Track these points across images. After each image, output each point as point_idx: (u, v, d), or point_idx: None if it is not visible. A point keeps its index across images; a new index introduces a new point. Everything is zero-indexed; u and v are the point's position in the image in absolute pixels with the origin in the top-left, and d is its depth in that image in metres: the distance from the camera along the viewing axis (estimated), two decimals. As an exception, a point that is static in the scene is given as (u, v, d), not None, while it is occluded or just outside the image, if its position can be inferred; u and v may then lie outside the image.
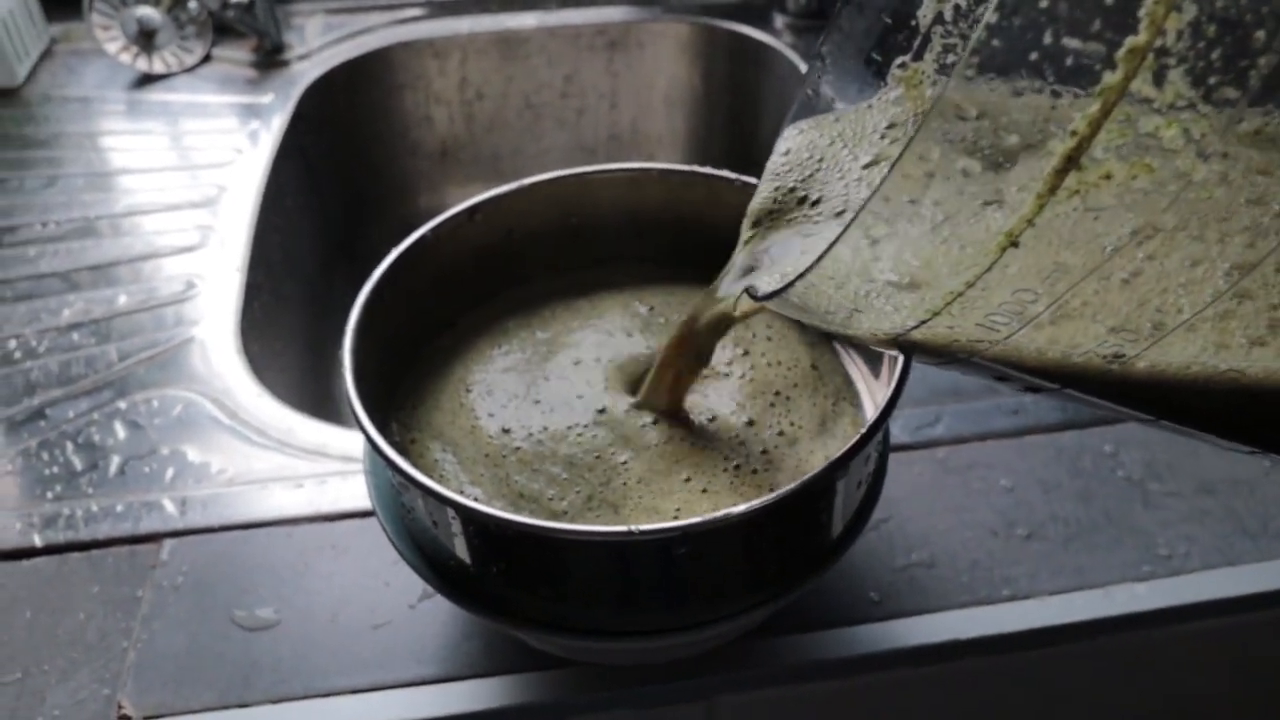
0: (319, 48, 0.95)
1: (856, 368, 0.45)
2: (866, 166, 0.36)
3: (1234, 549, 0.51)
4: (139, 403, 0.59)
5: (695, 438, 0.41)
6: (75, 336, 0.64)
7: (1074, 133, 0.22)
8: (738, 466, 0.40)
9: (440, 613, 0.48)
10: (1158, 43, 0.21)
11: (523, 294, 0.49)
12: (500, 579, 0.36)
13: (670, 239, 0.50)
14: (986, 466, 0.55)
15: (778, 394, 0.43)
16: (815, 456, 0.41)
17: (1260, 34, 0.21)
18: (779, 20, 0.98)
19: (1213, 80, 0.21)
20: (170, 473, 0.55)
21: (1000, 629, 0.47)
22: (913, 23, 0.36)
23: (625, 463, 0.39)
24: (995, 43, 0.22)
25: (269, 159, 0.81)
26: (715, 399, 0.43)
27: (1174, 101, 0.22)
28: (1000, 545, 0.51)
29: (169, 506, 0.53)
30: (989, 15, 0.22)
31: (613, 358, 0.45)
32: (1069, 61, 0.22)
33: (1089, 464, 0.55)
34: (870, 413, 0.43)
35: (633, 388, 0.43)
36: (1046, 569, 0.50)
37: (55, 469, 0.55)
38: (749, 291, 0.34)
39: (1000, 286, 0.24)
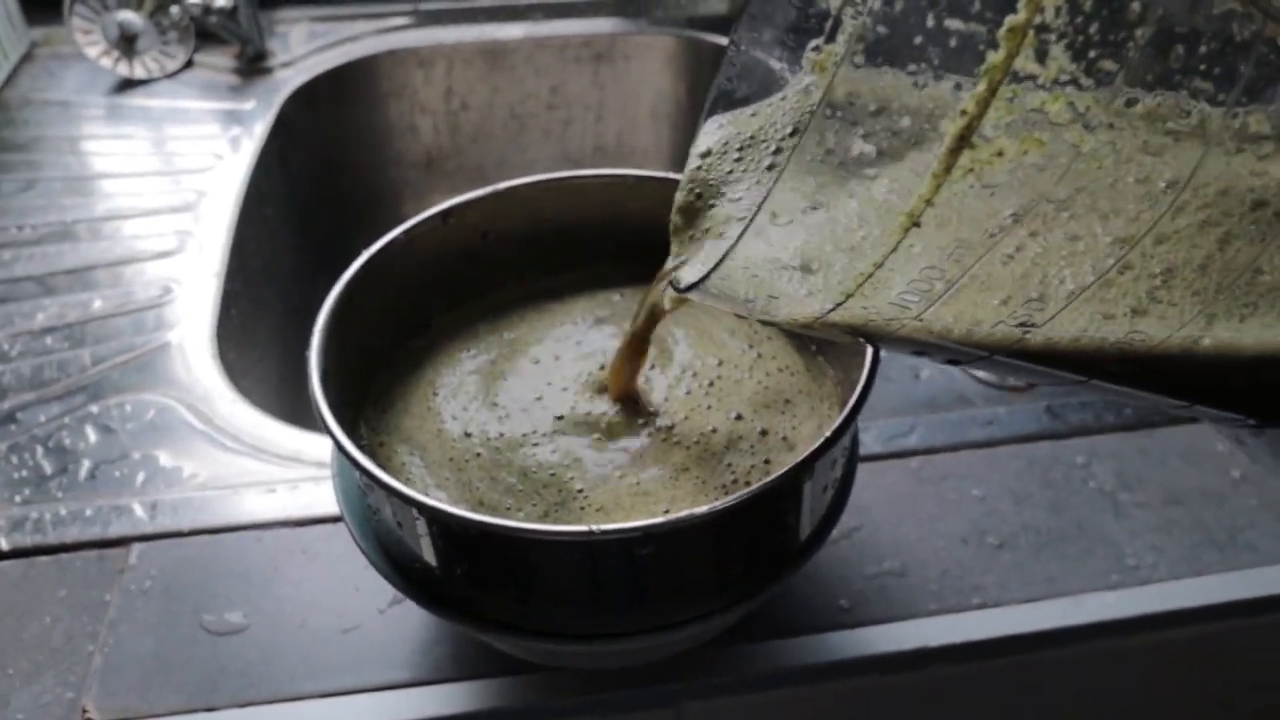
0: (303, 55, 0.95)
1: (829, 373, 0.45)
2: (770, 166, 0.37)
3: (1201, 559, 0.51)
4: (111, 407, 0.59)
5: (651, 448, 0.41)
6: (49, 340, 0.64)
7: (964, 112, 0.23)
8: (702, 480, 0.39)
9: (410, 617, 0.48)
10: (1037, 19, 0.22)
11: (496, 297, 0.49)
12: (465, 581, 0.36)
13: (646, 244, 0.50)
14: (959, 476, 0.55)
15: (772, 404, 0.43)
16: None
17: (1136, 6, 0.22)
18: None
19: (1093, 54, 0.22)
20: (141, 477, 0.55)
21: (969, 637, 0.47)
22: (823, 4, 0.37)
23: (573, 481, 0.39)
24: (881, 29, 0.22)
25: (250, 166, 0.81)
26: (686, 407, 0.43)
27: (1057, 76, 0.22)
28: (971, 554, 0.51)
29: (139, 510, 0.53)
30: (873, 2, 0.22)
31: (576, 359, 0.44)
32: (954, 43, 0.22)
33: (1060, 475, 0.55)
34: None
35: (599, 389, 0.43)
36: (1017, 578, 0.50)
37: (24, 472, 0.55)
38: (672, 284, 0.34)
39: (906, 266, 0.25)
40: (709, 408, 0.42)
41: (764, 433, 0.41)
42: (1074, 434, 0.57)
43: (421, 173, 1.03)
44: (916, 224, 0.24)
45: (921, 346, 0.29)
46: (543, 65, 1.01)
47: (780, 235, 0.26)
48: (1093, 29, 0.22)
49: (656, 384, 0.43)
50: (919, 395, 0.60)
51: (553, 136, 1.05)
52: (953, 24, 0.22)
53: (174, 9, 0.90)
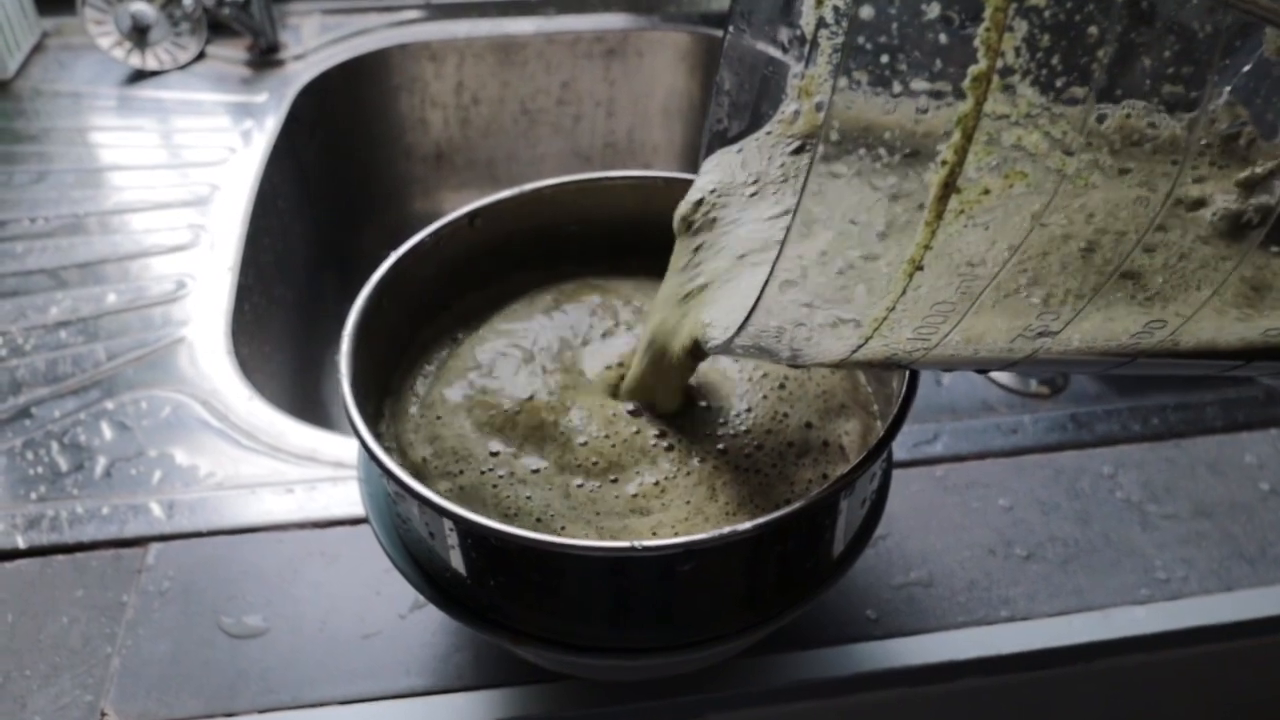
0: (315, 48, 0.94)
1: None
2: (771, 217, 0.38)
3: (1231, 573, 0.50)
4: (127, 403, 0.58)
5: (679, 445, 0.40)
6: (63, 334, 0.63)
7: (944, 162, 0.23)
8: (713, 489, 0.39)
9: (430, 623, 0.47)
10: (1000, 64, 0.22)
11: (519, 298, 0.48)
12: (497, 592, 0.36)
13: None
14: (984, 485, 0.54)
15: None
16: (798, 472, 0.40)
17: (1093, 30, 0.22)
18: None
19: (1059, 83, 0.23)
20: (158, 475, 0.54)
21: (998, 650, 0.47)
22: (797, 32, 0.37)
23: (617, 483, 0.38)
24: (846, 115, 0.23)
25: (262, 159, 0.80)
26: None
27: (1029, 111, 0.23)
28: (998, 565, 0.50)
29: (156, 510, 0.52)
30: (833, 97, 0.23)
31: (607, 363, 0.44)
32: (920, 103, 0.23)
33: (1087, 485, 0.54)
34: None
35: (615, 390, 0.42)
36: (1045, 590, 0.49)
37: (40, 469, 0.54)
38: (698, 343, 0.36)
39: (918, 305, 0.26)
40: (785, 415, 0.41)
41: (825, 444, 0.40)
42: (1100, 443, 0.57)
43: (431, 166, 1.02)
44: (920, 268, 0.25)
45: (949, 366, 0.30)
46: (554, 60, 1.00)
47: (792, 298, 0.27)
48: (1054, 61, 0.23)
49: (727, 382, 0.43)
50: (942, 401, 0.59)
51: (563, 132, 1.04)
52: (918, 84, 0.23)
53: (186, 0, 0.89)
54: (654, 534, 0.36)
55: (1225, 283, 0.26)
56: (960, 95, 0.23)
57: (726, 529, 0.31)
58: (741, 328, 0.28)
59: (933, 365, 0.30)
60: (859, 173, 0.24)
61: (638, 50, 1.00)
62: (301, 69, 0.92)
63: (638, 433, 0.39)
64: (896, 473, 0.54)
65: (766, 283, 0.26)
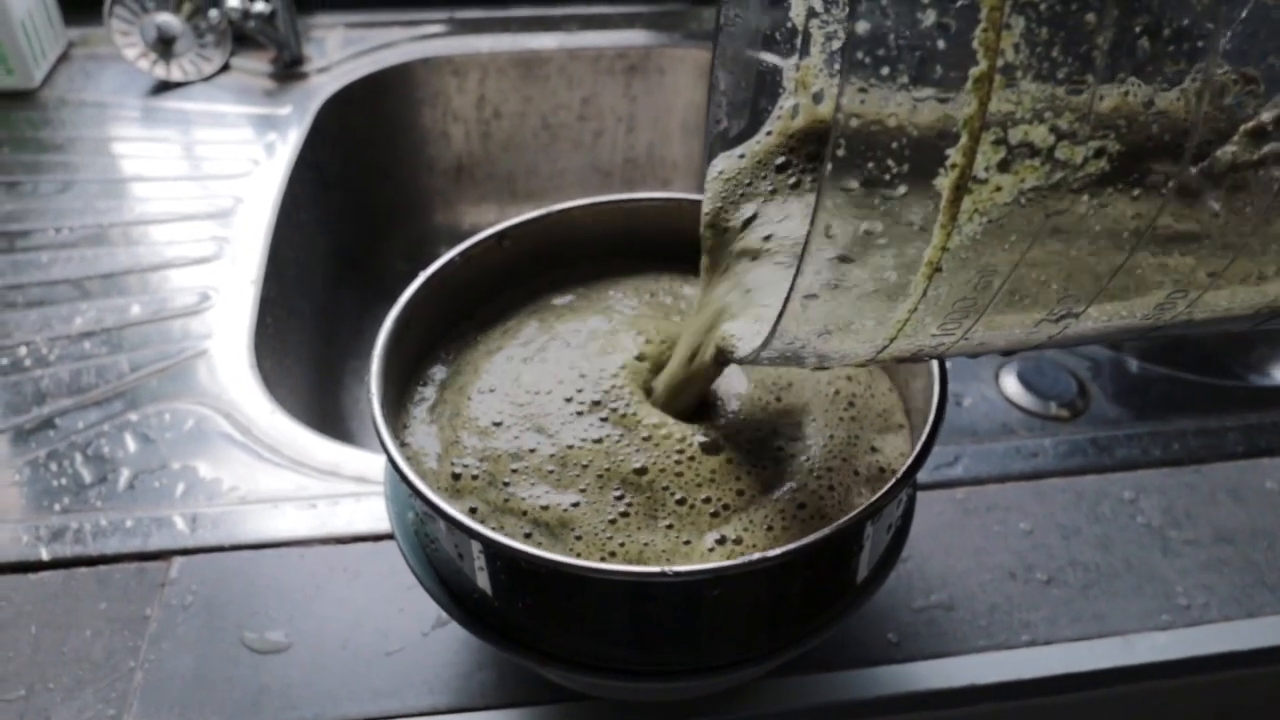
0: (338, 61, 0.95)
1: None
2: (782, 220, 0.39)
3: (1254, 600, 0.50)
4: (150, 415, 0.59)
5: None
6: (87, 345, 0.63)
7: (954, 165, 0.23)
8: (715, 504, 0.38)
9: (454, 641, 0.47)
10: (1000, 62, 0.22)
11: (541, 311, 0.48)
12: (525, 614, 0.36)
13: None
14: (1005, 509, 0.54)
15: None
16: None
17: (1091, 17, 0.22)
18: (798, 49, 0.98)
19: (1060, 74, 0.23)
20: (181, 488, 0.54)
21: (1020, 675, 0.47)
22: (788, 25, 0.37)
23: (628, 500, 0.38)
24: (851, 129, 0.23)
25: (285, 172, 0.81)
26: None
27: (1033, 106, 0.23)
28: (1019, 589, 0.50)
29: (179, 523, 0.52)
30: (836, 115, 0.23)
31: (624, 366, 0.42)
32: (924, 109, 0.23)
33: (1108, 510, 0.54)
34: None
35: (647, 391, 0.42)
36: (1066, 615, 0.49)
37: (64, 480, 0.55)
38: (724, 352, 0.36)
39: (939, 305, 0.26)
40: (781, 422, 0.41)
41: (850, 454, 0.40)
42: (1121, 468, 0.57)
43: (452, 180, 1.03)
44: (939, 269, 0.25)
45: (974, 354, 0.31)
46: (576, 76, 1.00)
47: (816, 313, 0.27)
48: (1055, 54, 0.23)
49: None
50: (962, 424, 0.59)
51: (583, 147, 1.04)
52: (921, 93, 0.23)
53: (212, 12, 0.90)
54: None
55: (1244, 246, 0.27)
56: (961, 93, 0.23)
57: (756, 555, 0.32)
58: (766, 342, 0.28)
59: (958, 355, 0.30)
60: (869, 181, 0.24)
61: (659, 67, 1.00)
62: (325, 82, 0.92)
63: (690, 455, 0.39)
64: (918, 495, 0.55)
65: (787, 299, 0.26)
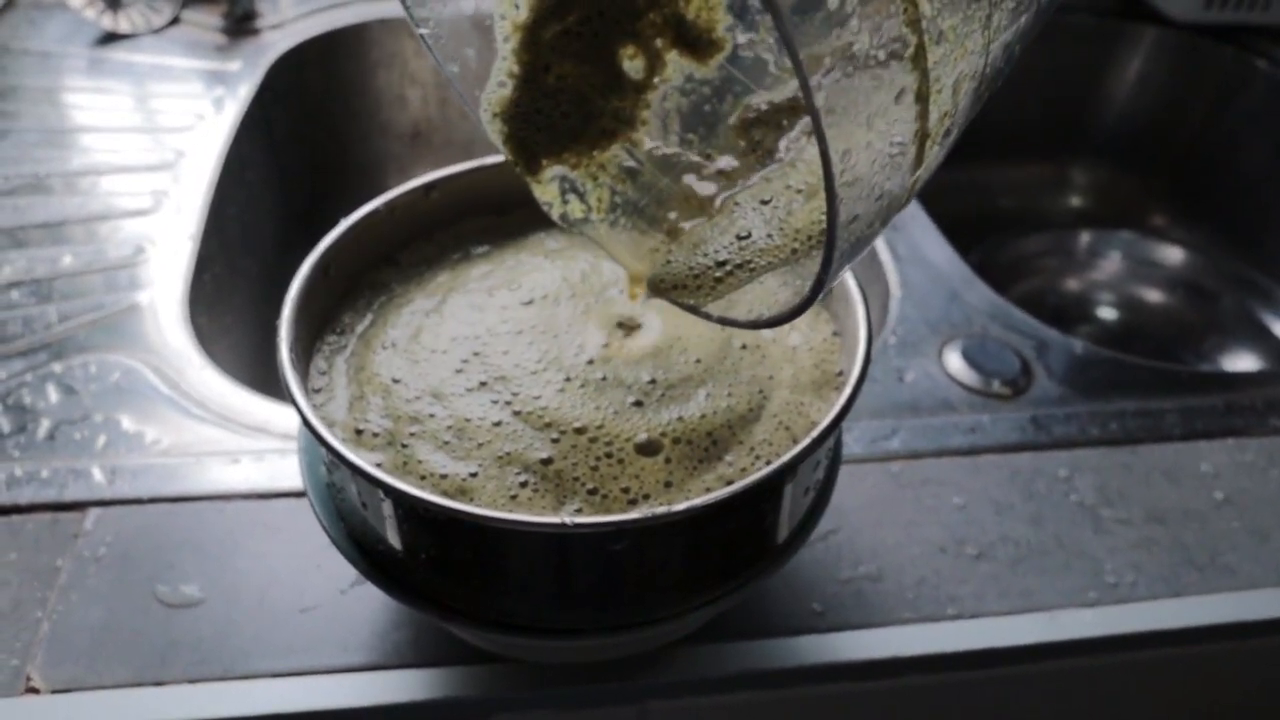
0: (293, 19, 0.93)
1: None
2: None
3: (1181, 580, 0.50)
4: (75, 367, 0.57)
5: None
6: (14, 295, 0.62)
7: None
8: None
9: (371, 600, 0.46)
10: None
11: (455, 263, 0.46)
12: (429, 566, 0.35)
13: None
14: (939, 483, 0.54)
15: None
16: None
17: None
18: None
19: None
20: (102, 440, 0.53)
21: (944, 648, 0.47)
22: None
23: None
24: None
25: (232, 128, 0.79)
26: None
27: None
28: (949, 563, 0.50)
29: (97, 475, 0.51)
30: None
31: (543, 315, 0.41)
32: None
33: (1042, 487, 0.54)
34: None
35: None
36: (993, 590, 0.49)
37: (-18, 429, 0.53)
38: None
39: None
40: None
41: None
42: (1058, 446, 0.56)
43: (407, 144, 1.01)
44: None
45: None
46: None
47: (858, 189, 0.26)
48: None
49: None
50: (902, 398, 0.59)
51: (544, 116, 1.03)
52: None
53: (163, -37, 0.88)
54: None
55: None
56: None
57: (660, 509, 0.31)
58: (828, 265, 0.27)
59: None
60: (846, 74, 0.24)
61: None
62: (277, 39, 0.90)
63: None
64: (851, 467, 0.54)
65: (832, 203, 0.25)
